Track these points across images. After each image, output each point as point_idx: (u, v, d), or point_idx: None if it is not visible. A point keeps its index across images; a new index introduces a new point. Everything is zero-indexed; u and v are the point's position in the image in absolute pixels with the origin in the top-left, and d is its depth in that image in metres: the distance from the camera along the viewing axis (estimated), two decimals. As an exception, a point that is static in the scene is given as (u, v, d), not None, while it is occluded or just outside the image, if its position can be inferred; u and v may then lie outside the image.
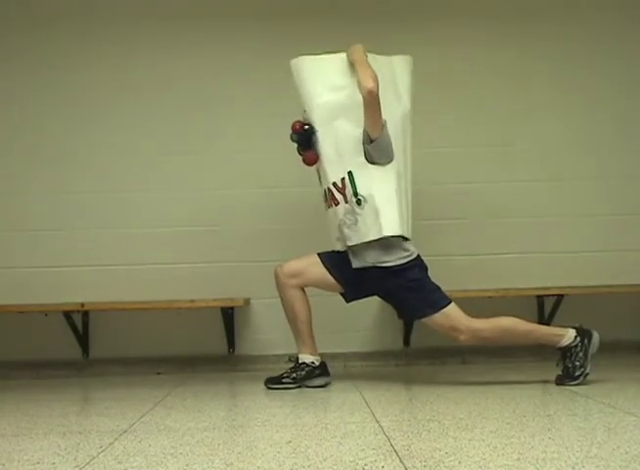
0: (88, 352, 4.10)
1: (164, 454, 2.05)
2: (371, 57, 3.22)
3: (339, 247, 3.29)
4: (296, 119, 3.30)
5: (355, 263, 3.24)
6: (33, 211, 4.16)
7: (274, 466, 1.88)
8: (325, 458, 1.93)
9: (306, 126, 3.26)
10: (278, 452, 2.03)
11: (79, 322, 4.06)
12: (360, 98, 3.13)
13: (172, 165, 4.18)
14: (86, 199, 4.16)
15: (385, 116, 3.15)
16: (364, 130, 3.17)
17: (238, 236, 4.15)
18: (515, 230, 4.19)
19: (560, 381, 3.10)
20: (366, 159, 3.18)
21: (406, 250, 3.21)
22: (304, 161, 3.32)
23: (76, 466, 1.95)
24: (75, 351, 4.07)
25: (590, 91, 4.26)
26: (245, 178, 4.16)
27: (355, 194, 3.16)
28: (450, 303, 3.17)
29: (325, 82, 3.27)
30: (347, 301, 3.45)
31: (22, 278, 4.10)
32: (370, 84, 3.05)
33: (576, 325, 3.19)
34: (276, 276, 3.37)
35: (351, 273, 3.29)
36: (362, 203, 3.16)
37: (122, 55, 4.21)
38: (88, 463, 1.98)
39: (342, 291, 3.39)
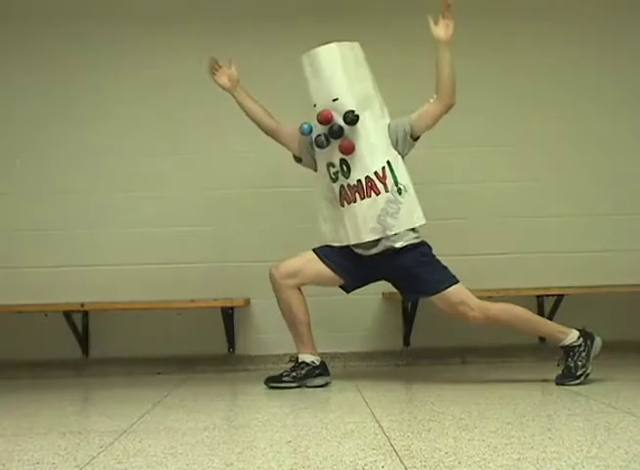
0: (88, 352, 4.10)
1: (164, 454, 2.05)
2: (331, 46, 3.22)
3: (372, 237, 3.20)
4: (320, 110, 3.16)
5: (373, 251, 3.23)
6: (34, 211, 4.16)
7: (274, 466, 1.88)
8: (325, 458, 1.93)
9: (350, 113, 3.14)
10: (278, 452, 2.03)
11: (79, 322, 4.06)
12: (376, 92, 3.24)
13: (172, 165, 4.18)
14: (86, 199, 4.16)
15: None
16: (410, 125, 3.22)
17: (238, 236, 4.15)
18: (515, 230, 4.19)
19: (560, 380, 3.10)
20: (397, 150, 3.23)
21: (417, 231, 3.26)
22: (343, 149, 3.17)
23: (76, 466, 1.95)
24: (75, 351, 4.07)
25: (591, 91, 4.27)
26: (245, 178, 4.16)
27: (396, 183, 3.18)
28: (459, 281, 3.20)
29: (352, 71, 3.23)
30: (348, 291, 3.44)
31: (22, 278, 4.10)
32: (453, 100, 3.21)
33: (580, 327, 3.20)
34: (271, 277, 3.33)
35: (351, 262, 3.29)
36: (402, 192, 3.19)
37: (125, 55, 4.21)
38: (88, 463, 1.97)
39: (342, 283, 3.39)
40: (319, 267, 3.32)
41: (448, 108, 3.24)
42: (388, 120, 3.28)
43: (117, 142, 4.19)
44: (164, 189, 4.18)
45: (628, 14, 4.30)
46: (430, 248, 3.29)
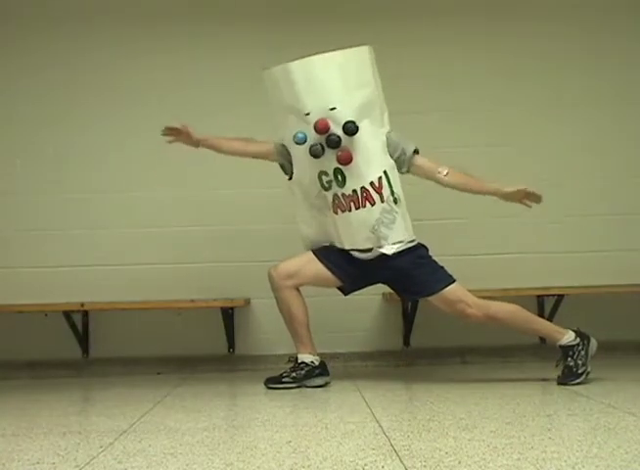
0: (88, 352, 4.10)
1: (164, 454, 2.05)
2: (328, 56, 3.18)
3: (367, 245, 3.23)
4: (317, 119, 3.12)
5: (369, 255, 3.24)
6: (33, 210, 4.16)
7: (274, 466, 1.87)
8: (325, 458, 1.93)
9: (351, 124, 3.12)
10: (278, 452, 2.03)
11: (79, 322, 4.06)
12: (377, 97, 3.23)
13: (172, 166, 4.17)
14: (86, 199, 4.16)
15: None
16: (411, 159, 3.23)
17: (238, 236, 4.15)
18: (515, 230, 4.19)
19: (563, 380, 3.10)
20: (393, 160, 3.23)
21: (412, 236, 3.27)
22: (342, 160, 3.14)
23: (76, 466, 1.95)
24: (75, 351, 4.07)
25: (589, 91, 4.26)
26: (245, 178, 4.16)
27: (392, 192, 3.19)
28: (456, 281, 3.21)
29: (352, 78, 3.20)
30: (346, 293, 3.44)
31: (22, 278, 4.10)
32: None
33: (574, 328, 3.21)
34: (270, 278, 3.33)
35: (350, 265, 3.30)
36: (398, 201, 3.20)
37: (124, 56, 4.22)
38: (88, 463, 1.98)
39: (341, 284, 3.39)
40: (318, 268, 3.33)
41: (441, 185, 3.29)
42: (387, 128, 3.26)
43: (117, 143, 4.19)
44: (164, 189, 4.18)
45: (627, 14, 4.30)
46: (426, 249, 3.30)
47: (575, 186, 4.23)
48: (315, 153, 3.16)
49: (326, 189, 3.23)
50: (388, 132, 3.26)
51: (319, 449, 2.04)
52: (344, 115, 3.15)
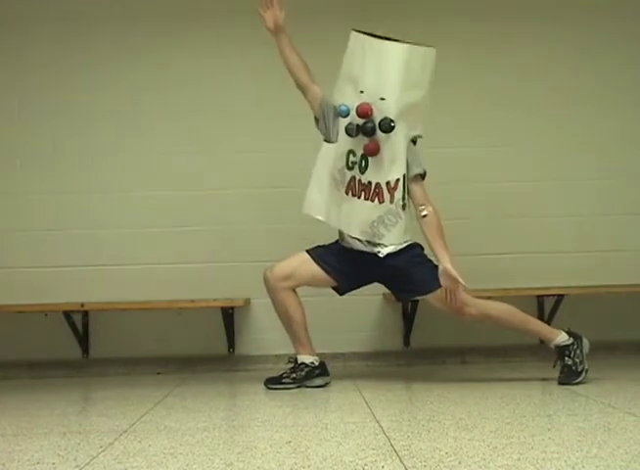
0: (88, 352, 4.10)
1: (164, 454, 2.05)
2: (401, 47, 3.15)
3: (360, 237, 3.24)
4: (362, 102, 3.13)
5: (361, 247, 3.26)
6: (34, 210, 4.16)
7: (274, 466, 1.87)
8: (325, 458, 1.93)
9: (387, 121, 3.11)
10: (278, 452, 2.03)
11: (79, 322, 4.06)
12: (425, 102, 3.24)
13: (172, 166, 4.18)
14: (86, 199, 4.16)
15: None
16: (411, 174, 3.22)
17: (238, 236, 4.15)
18: (515, 230, 4.19)
19: (564, 380, 3.10)
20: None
21: (407, 236, 3.29)
22: (367, 150, 3.16)
23: (76, 466, 1.95)
24: (75, 351, 4.07)
25: (590, 91, 4.27)
26: (245, 178, 4.17)
27: (404, 197, 3.19)
28: None
29: (412, 76, 3.19)
30: (341, 293, 3.44)
31: (22, 278, 4.10)
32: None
33: (565, 329, 3.22)
34: (266, 280, 3.33)
35: (345, 264, 3.30)
36: (406, 208, 3.21)
37: (123, 56, 4.22)
38: (88, 463, 1.97)
39: (336, 284, 3.39)
40: (313, 269, 3.33)
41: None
42: (418, 132, 3.26)
43: (117, 142, 4.19)
44: (164, 189, 4.18)
45: (627, 14, 4.30)
46: (421, 248, 3.31)
47: (575, 186, 4.23)
48: (348, 131, 3.19)
49: (349, 168, 3.24)
50: (415, 137, 3.25)
51: (319, 449, 2.04)
52: (389, 109, 3.14)
